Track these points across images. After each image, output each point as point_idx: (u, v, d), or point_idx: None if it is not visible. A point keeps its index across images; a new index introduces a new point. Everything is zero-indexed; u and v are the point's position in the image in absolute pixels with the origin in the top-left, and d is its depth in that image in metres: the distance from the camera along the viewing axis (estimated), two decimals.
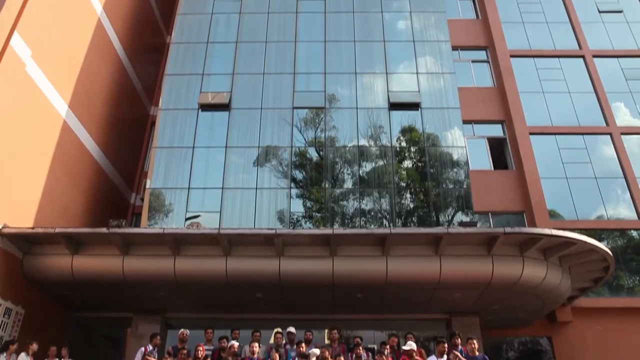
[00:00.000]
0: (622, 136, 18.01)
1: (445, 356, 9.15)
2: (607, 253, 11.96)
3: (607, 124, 18.27)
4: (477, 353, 9.28)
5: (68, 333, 13.53)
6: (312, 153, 15.80)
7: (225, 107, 15.98)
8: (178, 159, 15.13)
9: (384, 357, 8.93)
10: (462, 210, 14.78)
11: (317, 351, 8.73)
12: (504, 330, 14.97)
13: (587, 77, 19.34)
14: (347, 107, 16.22)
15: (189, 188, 14.65)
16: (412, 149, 15.99)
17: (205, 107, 16.07)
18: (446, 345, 9.33)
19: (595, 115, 18.51)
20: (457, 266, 11.49)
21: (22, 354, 10.20)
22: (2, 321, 11.22)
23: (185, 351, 9.49)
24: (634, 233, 16.83)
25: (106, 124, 16.54)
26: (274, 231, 11.18)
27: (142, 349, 10.17)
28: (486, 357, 9.21)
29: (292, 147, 15.50)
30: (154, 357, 9.66)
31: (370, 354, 9.66)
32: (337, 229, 11.86)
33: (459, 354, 9.02)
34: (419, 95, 16.27)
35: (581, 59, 19.81)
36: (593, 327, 14.87)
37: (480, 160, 17.65)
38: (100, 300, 13.03)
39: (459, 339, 9.74)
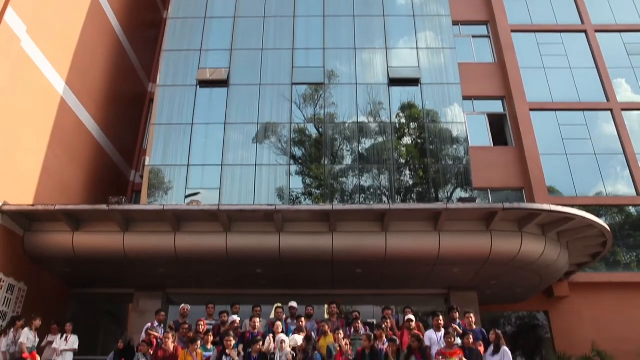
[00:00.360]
0: (623, 112, 17.94)
1: (442, 330, 9.28)
2: (605, 228, 12.02)
3: (607, 99, 18.17)
4: (474, 327, 9.41)
5: (70, 309, 13.68)
6: (312, 130, 15.74)
7: (223, 83, 15.86)
8: (177, 136, 15.08)
9: (383, 330, 9.03)
10: (462, 186, 14.80)
11: (299, 339, 8.76)
12: (501, 305, 15.15)
13: (589, 52, 19.18)
14: (346, 83, 16.10)
15: (188, 165, 14.64)
16: (412, 126, 15.93)
17: (204, 83, 15.94)
18: (442, 318, 9.46)
19: (596, 91, 18.41)
20: (456, 242, 11.55)
21: (26, 329, 10.31)
22: (5, 297, 11.33)
23: (187, 326, 9.60)
24: (632, 209, 16.90)
25: (104, 101, 16.43)
26: (273, 207, 11.20)
27: (148, 324, 10.27)
28: (483, 331, 9.34)
29: (291, 123, 15.44)
30: (157, 332, 9.75)
31: (368, 328, 9.76)
32: (337, 205, 11.89)
33: (457, 327, 9.15)
34: (419, 71, 16.14)
35: (583, 34, 19.61)
36: (589, 302, 15.05)
37: (480, 136, 17.62)
38: (101, 277, 13.13)
39: (457, 313, 9.85)
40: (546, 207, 11.33)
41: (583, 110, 17.99)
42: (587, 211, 12.16)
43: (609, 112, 17.98)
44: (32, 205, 11.68)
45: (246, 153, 15.02)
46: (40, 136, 12.89)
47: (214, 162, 14.69)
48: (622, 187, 16.96)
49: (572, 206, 12.60)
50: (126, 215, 11.67)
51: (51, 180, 13.15)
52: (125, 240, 11.71)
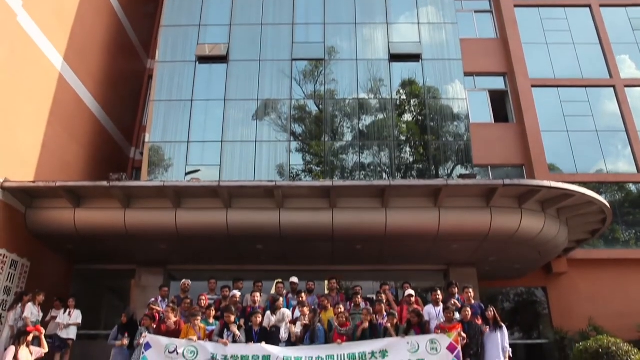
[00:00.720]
0: (626, 89, 17.80)
1: (441, 304, 9.39)
2: (605, 205, 12.04)
3: (610, 76, 18.02)
4: (472, 301, 9.50)
5: (72, 285, 13.81)
6: (312, 106, 15.66)
7: (223, 59, 15.71)
8: (176, 113, 15.02)
9: (382, 304, 9.12)
10: (462, 163, 14.79)
11: (287, 313, 8.84)
12: (500, 281, 15.28)
13: (593, 27, 18.95)
14: (346, 59, 15.95)
15: (188, 142, 14.61)
16: (413, 102, 15.84)
17: (203, 59, 15.80)
18: (440, 293, 9.55)
19: (599, 68, 18.24)
20: (455, 218, 11.59)
21: (30, 304, 10.45)
22: (9, 273, 11.43)
23: (188, 300, 9.70)
24: (632, 187, 16.91)
25: (103, 78, 16.31)
26: (274, 183, 11.21)
27: (152, 299, 10.39)
28: (482, 305, 9.43)
29: (291, 99, 15.35)
30: (159, 307, 9.84)
31: (369, 302, 9.85)
32: (337, 181, 11.90)
33: (456, 302, 9.25)
34: (420, 47, 15.97)
35: (587, 9, 19.32)
36: (587, 278, 15.17)
37: (481, 113, 17.52)
38: (103, 253, 13.22)
39: (456, 288, 9.95)
40: (546, 183, 11.34)
41: (585, 86, 17.85)
42: (588, 188, 12.16)
43: (612, 89, 17.84)
44: (33, 182, 11.70)
45: (246, 130, 14.97)
46: (39, 113, 12.83)
47: (214, 138, 14.66)
48: (623, 165, 16.94)
49: (573, 183, 12.61)
50: (127, 192, 11.69)
51: (51, 157, 13.13)
52: (126, 216, 11.75)
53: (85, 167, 14.91)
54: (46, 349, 8.24)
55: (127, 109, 18.37)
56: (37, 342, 7.99)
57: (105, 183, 11.39)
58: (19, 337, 7.70)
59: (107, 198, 11.71)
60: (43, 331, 8.53)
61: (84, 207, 11.93)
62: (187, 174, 14.28)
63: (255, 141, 14.68)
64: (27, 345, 7.61)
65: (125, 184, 11.53)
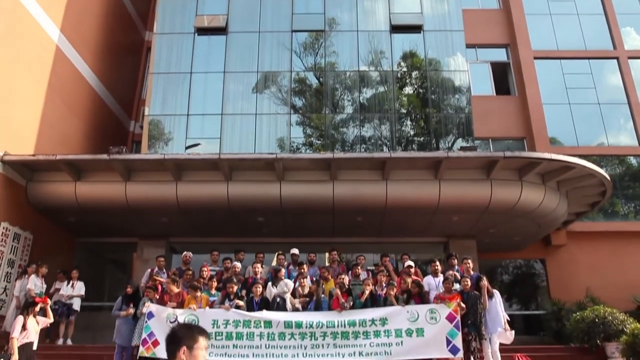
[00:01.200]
0: (630, 61, 17.58)
1: (440, 275, 9.49)
2: (605, 177, 12.05)
3: (614, 47, 17.78)
4: (472, 272, 9.58)
5: (75, 257, 13.93)
6: (312, 79, 15.53)
7: (222, 30, 15.51)
8: (176, 85, 14.90)
9: (382, 275, 9.21)
10: (463, 137, 14.74)
11: (290, 283, 8.92)
12: (499, 253, 15.39)
13: None
14: (347, 31, 15.74)
15: (187, 115, 14.54)
16: (414, 75, 15.71)
17: (202, 31, 15.60)
18: (438, 264, 9.64)
19: (603, 39, 17.99)
20: (456, 190, 11.62)
21: (33, 276, 10.59)
22: (12, 246, 11.54)
23: (190, 272, 9.80)
24: (633, 160, 16.89)
25: (101, 50, 16.12)
26: (274, 155, 11.20)
27: (149, 270, 10.52)
28: (481, 275, 9.50)
29: (291, 72, 15.21)
30: (161, 278, 9.96)
31: (370, 273, 9.94)
32: (338, 153, 11.86)
33: (455, 273, 9.34)
34: (422, 17, 15.75)
35: None
36: (586, 250, 15.29)
37: (483, 85, 17.35)
38: (105, 226, 13.30)
39: (456, 260, 10.02)
40: (547, 155, 11.34)
41: (589, 58, 17.63)
42: (589, 161, 12.15)
43: (615, 61, 17.63)
44: (33, 155, 11.70)
45: (246, 103, 14.89)
46: (37, 86, 12.73)
47: (214, 111, 14.58)
48: (625, 139, 16.89)
49: (574, 156, 12.58)
50: (127, 165, 11.70)
51: (51, 130, 13.09)
52: (127, 189, 11.78)
53: (84, 140, 14.87)
54: (52, 319, 8.40)
55: (126, 82, 18.22)
56: (42, 312, 8.11)
57: (105, 156, 11.39)
58: (26, 307, 7.83)
59: (107, 171, 11.72)
60: (49, 302, 8.68)
61: (84, 181, 11.95)
62: (187, 147, 14.25)
63: (256, 114, 14.61)
64: (34, 316, 7.75)
65: (125, 157, 11.53)
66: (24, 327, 7.47)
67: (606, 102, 17.11)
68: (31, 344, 7.56)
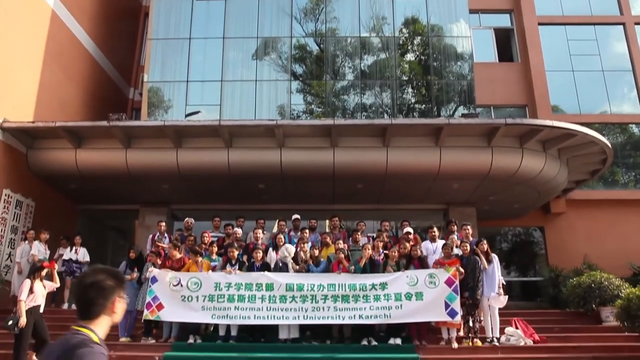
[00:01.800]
0: (636, 27, 17.29)
1: (438, 241, 9.57)
2: (607, 145, 12.03)
3: (621, 13, 17.47)
4: (471, 238, 9.66)
5: (77, 225, 14.04)
6: (312, 46, 15.32)
7: None
8: (175, 51, 14.72)
9: (380, 240, 9.30)
10: (465, 104, 14.64)
11: (291, 248, 9.01)
12: (499, 220, 15.49)
13: None
14: None
15: (187, 81, 14.41)
16: (415, 41, 15.49)
17: None
18: (436, 229, 9.71)
19: (610, 4, 17.63)
20: (456, 157, 11.62)
21: (36, 242, 10.71)
22: (15, 213, 11.63)
23: (192, 237, 9.89)
24: (635, 129, 16.81)
25: (98, 16, 15.85)
26: (275, 122, 11.17)
27: (151, 235, 10.62)
28: (481, 239, 9.55)
29: (291, 38, 14.99)
30: (163, 243, 10.07)
31: (370, 239, 10.02)
32: (338, 120, 11.83)
33: (455, 239, 9.41)
34: None
35: None
36: (584, 218, 15.38)
37: (485, 52, 17.11)
38: (106, 193, 13.37)
39: (455, 226, 10.08)
40: (549, 122, 11.30)
41: (594, 24, 17.34)
42: (590, 129, 12.08)
43: (621, 27, 17.33)
44: (33, 122, 11.67)
45: (246, 70, 14.74)
46: (34, 53, 12.58)
47: (214, 78, 14.44)
48: (628, 107, 16.78)
49: (575, 124, 12.51)
50: (127, 132, 11.67)
51: (49, 97, 13.00)
52: (127, 156, 11.79)
53: (83, 107, 14.79)
54: (58, 284, 8.55)
55: (124, 48, 17.99)
56: (48, 277, 8.23)
57: (105, 123, 11.36)
58: (33, 272, 7.95)
59: (107, 138, 11.70)
60: (56, 267, 8.82)
61: (85, 148, 11.95)
62: (187, 115, 14.18)
63: (256, 80, 14.47)
64: (41, 280, 7.88)
65: (125, 123, 11.50)
66: (31, 291, 7.59)
67: (610, 69, 16.91)
68: (38, 307, 7.69)
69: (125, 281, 2.12)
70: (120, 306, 2.10)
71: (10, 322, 7.31)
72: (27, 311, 7.42)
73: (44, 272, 7.98)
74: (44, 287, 7.97)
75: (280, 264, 8.71)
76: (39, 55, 12.73)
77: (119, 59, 17.34)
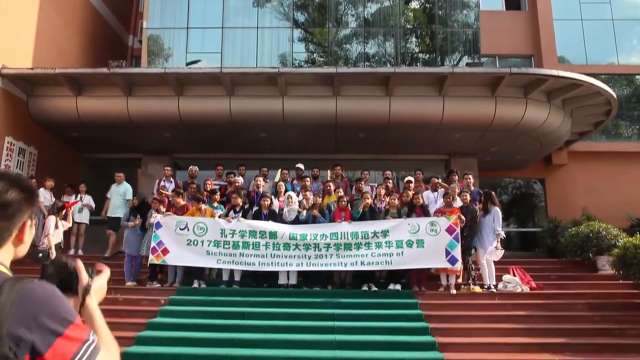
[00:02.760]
0: None
1: (439, 190, 9.64)
2: (612, 95, 11.90)
3: None
4: (472, 187, 9.73)
5: (80, 173, 14.11)
6: None
7: None
8: None
9: (381, 187, 9.38)
10: (469, 54, 14.39)
11: (293, 195, 9.05)
12: (500, 171, 15.53)
13: None
14: None
15: (187, 28, 14.11)
16: None
17: None
18: (437, 178, 9.76)
19: None
20: (460, 107, 11.53)
21: (41, 189, 10.77)
22: (18, 160, 11.67)
23: (194, 185, 9.97)
24: None
25: None
26: (277, 69, 11.02)
27: (157, 180, 10.72)
28: (480, 191, 9.66)
29: None
30: (167, 191, 10.13)
31: (373, 188, 10.08)
32: (341, 68, 11.64)
33: (456, 188, 9.47)
34: None
35: None
36: (585, 170, 15.41)
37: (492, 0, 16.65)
38: (109, 142, 13.36)
39: (457, 176, 10.13)
40: (554, 72, 11.15)
41: None
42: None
43: None
44: (32, 69, 11.53)
45: (247, 17, 14.39)
46: None
47: (214, 25, 14.12)
48: (636, 59, 16.47)
49: (581, 74, 12.34)
50: (128, 79, 11.55)
51: (47, 43, 12.76)
52: (128, 104, 11.71)
53: (82, 55, 14.55)
54: (70, 224, 9.24)
55: None
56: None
57: (105, 70, 11.22)
58: (57, 210, 8.54)
59: (108, 86, 11.59)
60: (72, 207, 9.23)
61: (85, 95, 11.86)
62: (187, 64, 13.97)
63: (257, 27, 14.16)
64: (61, 218, 8.47)
65: (126, 70, 11.37)
66: (56, 226, 8.14)
67: (621, 18, 16.47)
68: (60, 242, 8.41)
69: (37, 195, 1.41)
70: (29, 234, 1.40)
71: (41, 255, 7.72)
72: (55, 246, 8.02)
73: (63, 212, 8.53)
74: (63, 226, 8.56)
75: (287, 215, 8.75)
76: (35, 0, 12.41)
77: (118, 4, 16.89)
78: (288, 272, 8.46)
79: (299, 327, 6.91)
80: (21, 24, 11.89)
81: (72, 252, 11.01)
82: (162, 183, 10.48)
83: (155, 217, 8.55)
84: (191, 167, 10.69)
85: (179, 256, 8.38)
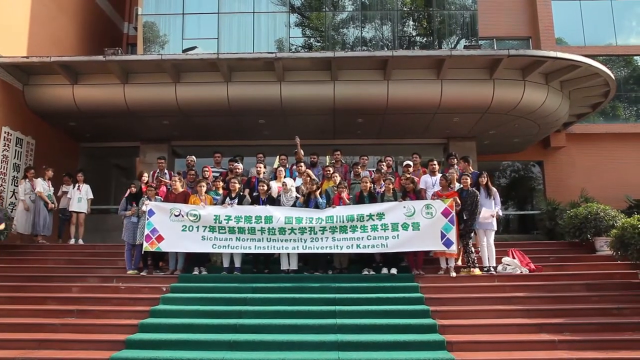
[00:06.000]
0: None
1: (438, 174, 9.63)
2: (610, 76, 11.88)
3: None
4: (471, 170, 9.72)
5: (79, 163, 14.08)
6: None
7: None
8: None
9: (381, 174, 9.37)
10: (467, 37, 14.31)
11: (290, 181, 9.05)
12: (498, 155, 15.55)
13: None
14: None
15: (183, 14, 13.99)
16: None
17: None
18: (435, 162, 9.74)
19: None
20: (458, 90, 11.50)
21: (40, 179, 10.76)
22: (16, 150, 11.63)
23: (193, 172, 9.94)
24: None
25: None
26: (274, 55, 10.94)
27: (152, 172, 10.68)
28: (480, 173, 9.62)
29: None
30: (164, 179, 10.10)
31: (372, 173, 10.08)
32: (338, 52, 11.56)
33: (454, 171, 9.47)
34: None
35: None
36: (583, 152, 15.43)
37: None
38: (107, 130, 13.32)
39: (455, 159, 10.11)
40: (552, 53, 11.10)
41: None
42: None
43: None
44: (27, 57, 11.42)
45: (243, 2, 14.24)
46: None
47: (210, 10, 13.99)
48: (635, 40, 16.40)
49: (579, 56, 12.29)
50: (124, 67, 11.47)
51: (42, 31, 12.65)
52: (125, 92, 11.66)
53: (77, 42, 14.43)
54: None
55: None
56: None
57: (101, 57, 11.14)
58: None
59: (104, 74, 11.54)
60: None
61: (82, 84, 11.80)
62: (184, 50, 13.86)
63: (254, 12, 14.03)
64: None
65: (122, 58, 11.27)
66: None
67: None
68: None
69: None
70: None
71: None
72: None
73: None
74: None
75: (282, 198, 8.79)
76: None
77: None
78: (289, 258, 8.49)
79: (301, 312, 6.95)
80: (15, 12, 11.78)
81: (72, 242, 11.02)
82: (156, 175, 10.43)
83: (147, 205, 8.51)
84: (188, 157, 10.63)
85: (174, 242, 8.36)
